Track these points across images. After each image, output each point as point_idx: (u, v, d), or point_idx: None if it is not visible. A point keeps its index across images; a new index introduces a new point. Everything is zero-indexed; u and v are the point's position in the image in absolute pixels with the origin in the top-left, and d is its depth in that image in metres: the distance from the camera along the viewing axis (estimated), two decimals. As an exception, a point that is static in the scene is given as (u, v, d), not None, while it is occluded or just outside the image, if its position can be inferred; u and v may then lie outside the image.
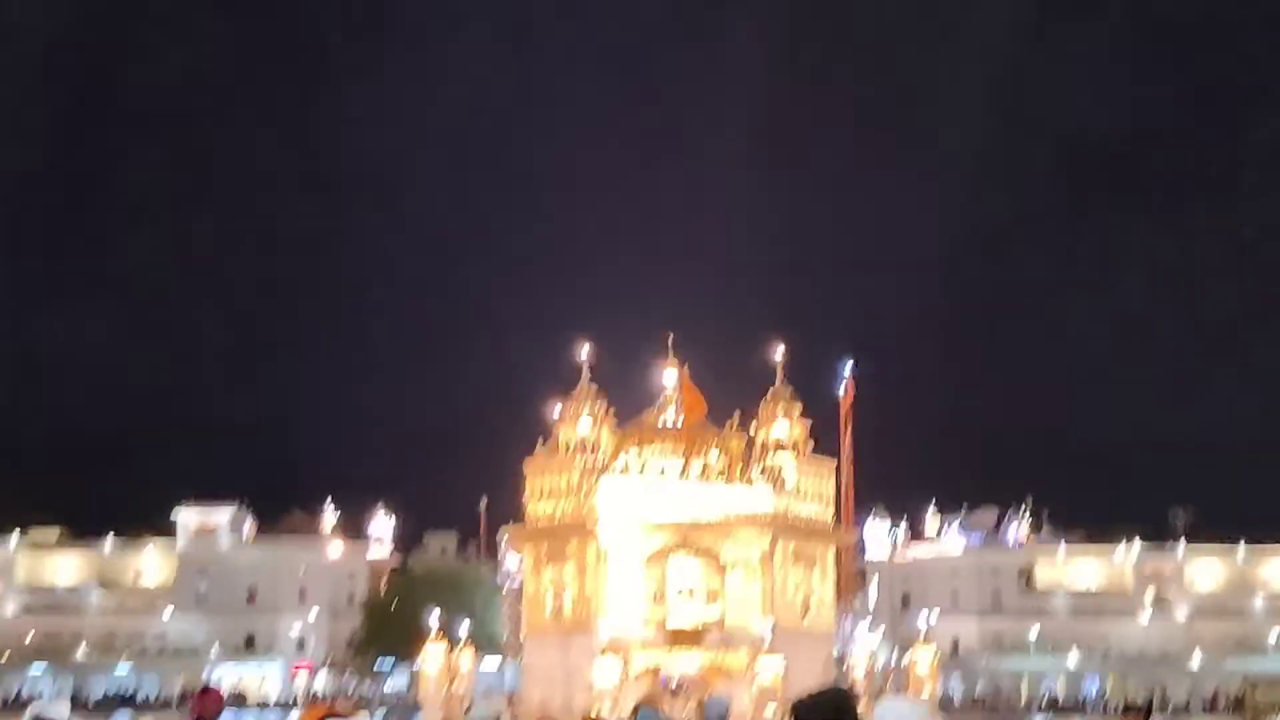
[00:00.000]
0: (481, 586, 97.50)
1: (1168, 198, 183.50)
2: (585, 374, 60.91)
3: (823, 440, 62.96)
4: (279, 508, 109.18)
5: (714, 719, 10.01)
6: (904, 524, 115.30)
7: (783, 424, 60.47)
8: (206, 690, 10.37)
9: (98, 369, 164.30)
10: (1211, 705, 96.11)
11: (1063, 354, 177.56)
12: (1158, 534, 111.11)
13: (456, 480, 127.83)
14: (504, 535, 67.09)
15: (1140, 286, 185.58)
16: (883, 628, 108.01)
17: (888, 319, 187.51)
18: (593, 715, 36.81)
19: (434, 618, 56.30)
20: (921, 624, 66.16)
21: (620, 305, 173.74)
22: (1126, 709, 11.86)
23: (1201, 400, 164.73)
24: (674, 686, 54.55)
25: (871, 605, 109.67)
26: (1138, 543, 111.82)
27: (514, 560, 74.80)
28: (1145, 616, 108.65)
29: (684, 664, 55.24)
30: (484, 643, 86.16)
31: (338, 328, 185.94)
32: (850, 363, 75.15)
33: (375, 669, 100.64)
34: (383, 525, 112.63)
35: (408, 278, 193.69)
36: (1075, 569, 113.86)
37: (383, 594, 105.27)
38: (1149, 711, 11.58)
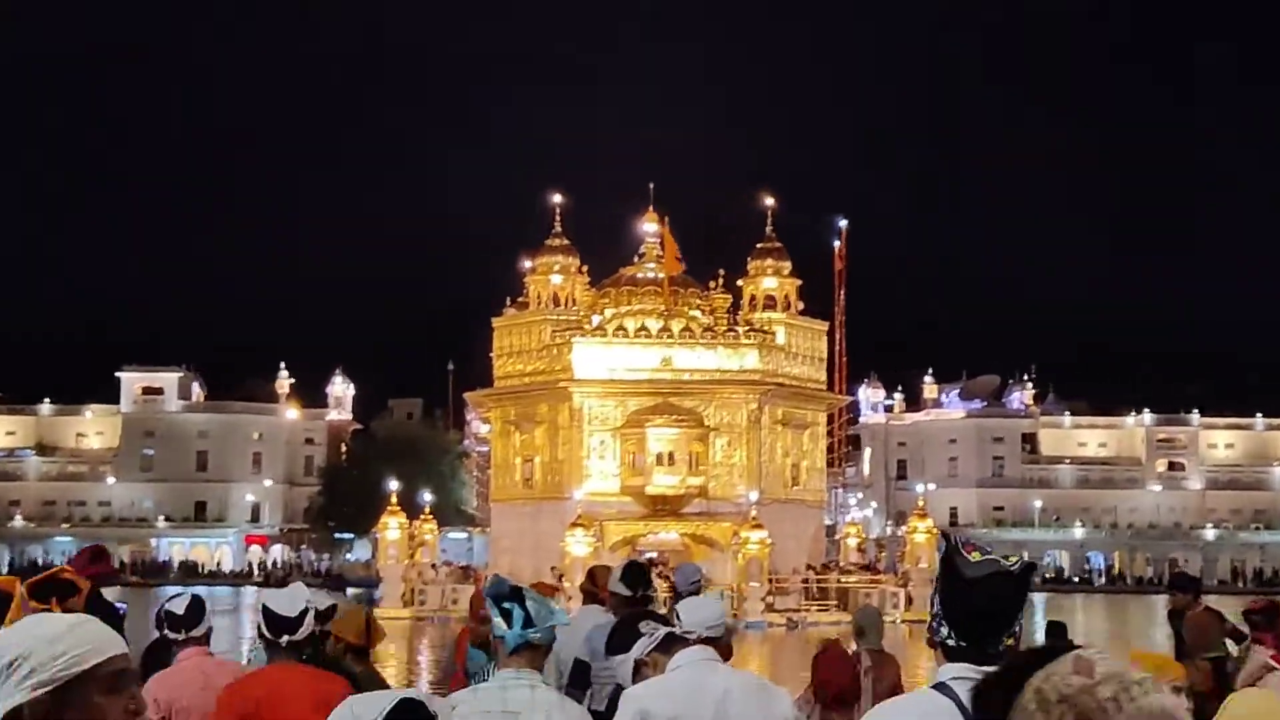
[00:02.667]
0: (448, 455, 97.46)
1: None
2: (556, 224, 60.07)
3: (813, 305, 62.59)
4: (231, 376, 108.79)
5: (684, 588, 9.21)
6: (899, 392, 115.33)
7: (772, 280, 59.87)
8: (99, 552, 9.23)
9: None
10: (1232, 579, 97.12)
11: (1069, 221, 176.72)
12: (1170, 408, 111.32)
13: (422, 344, 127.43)
14: (470, 399, 66.51)
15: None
16: (876, 499, 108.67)
17: (883, 177, 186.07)
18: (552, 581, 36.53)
19: (393, 486, 56.15)
20: (918, 494, 66.50)
21: (595, 154, 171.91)
22: (1173, 586, 11.09)
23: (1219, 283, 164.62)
24: (650, 559, 54.64)
25: (865, 475, 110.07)
26: (1148, 413, 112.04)
27: (481, 426, 74.42)
28: (1156, 487, 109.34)
29: (663, 535, 55.31)
30: (451, 513, 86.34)
31: (288, 190, 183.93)
32: (843, 220, 73.91)
33: (334, 540, 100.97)
34: (341, 390, 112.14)
35: (378, 128, 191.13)
36: (1082, 438, 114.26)
37: (343, 461, 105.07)
38: (1198, 590, 10.89)
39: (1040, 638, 11.42)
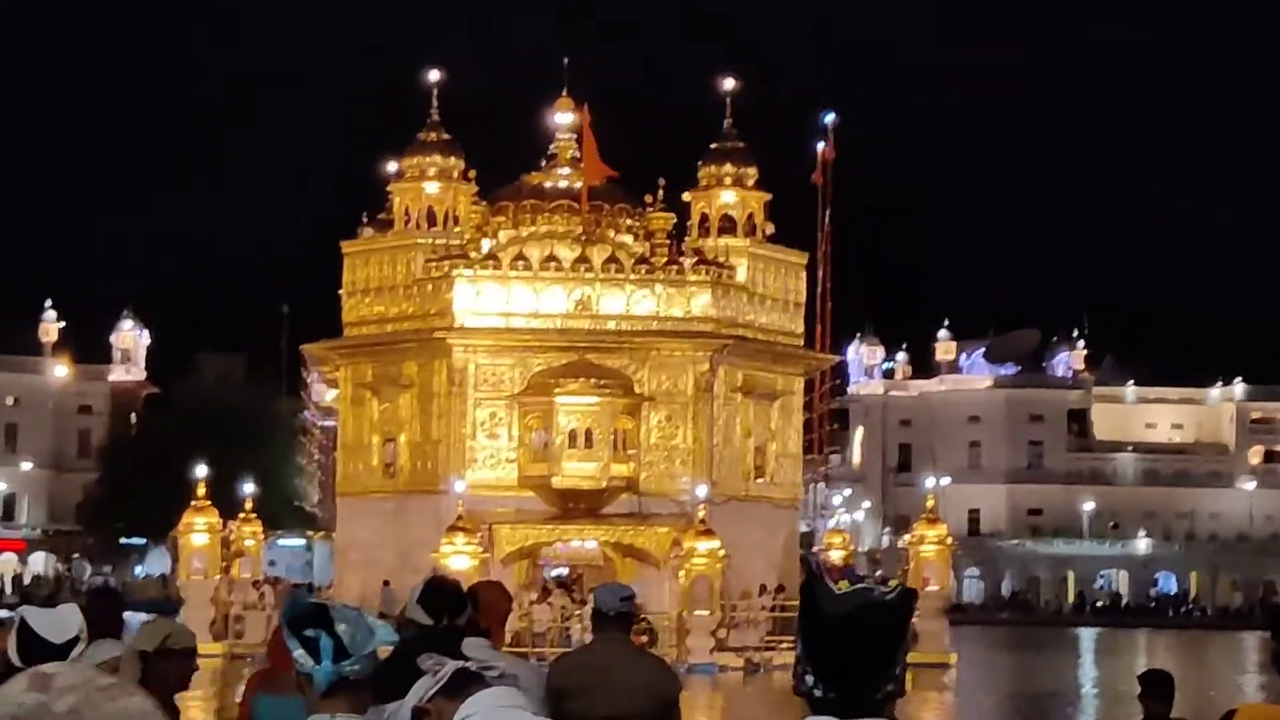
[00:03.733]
0: (279, 430, 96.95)
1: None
2: (434, 112, 59.52)
3: (788, 230, 62.35)
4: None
5: (607, 610, 9.12)
6: (904, 352, 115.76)
7: (730, 193, 59.74)
8: None
9: None
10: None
11: (1143, 133, 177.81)
12: (1268, 378, 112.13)
13: (246, 276, 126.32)
14: (309, 354, 66.15)
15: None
16: (870, 498, 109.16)
17: (887, 62, 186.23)
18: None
19: (201, 472, 55.75)
20: (927, 490, 66.79)
21: (490, 17, 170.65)
22: (1274, 621, 10.53)
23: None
24: (558, 577, 54.51)
25: (855, 463, 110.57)
26: (1239, 384, 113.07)
27: (326, 391, 74.08)
28: (1249, 484, 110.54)
29: (577, 544, 55.22)
30: (282, 511, 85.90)
31: (52, 58, 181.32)
32: (832, 116, 73.91)
33: (119, 547, 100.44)
34: (131, 339, 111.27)
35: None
36: (1150, 416, 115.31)
37: (132, 438, 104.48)
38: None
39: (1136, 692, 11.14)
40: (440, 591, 7.80)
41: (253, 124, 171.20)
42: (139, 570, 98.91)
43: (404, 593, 36.82)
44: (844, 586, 3.50)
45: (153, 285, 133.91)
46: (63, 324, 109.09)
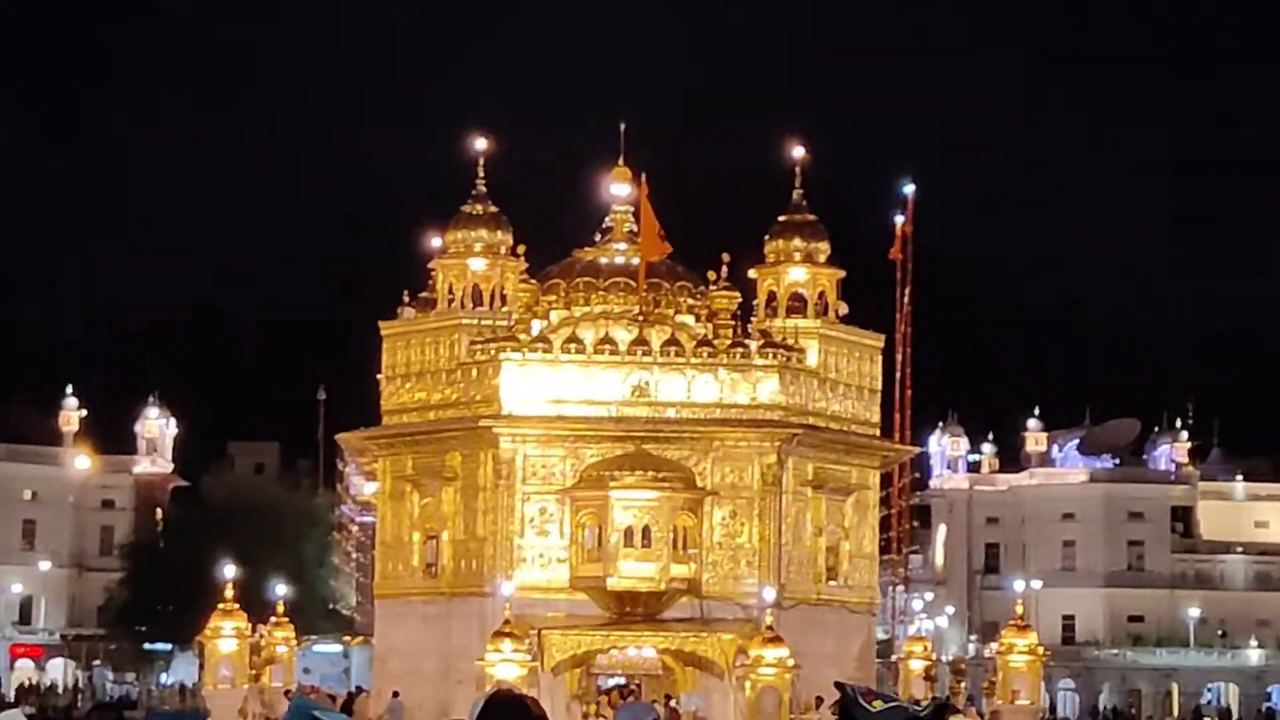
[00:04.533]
0: (314, 527, 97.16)
1: None
2: (480, 183, 59.65)
3: (864, 309, 62.08)
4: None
5: None
6: (990, 443, 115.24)
7: (800, 270, 59.61)
8: None
9: None
10: None
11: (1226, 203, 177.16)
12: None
13: (279, 361, 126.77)
14: (346, 443, 66.21)
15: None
16: (954, 602, 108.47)
17: (968, 128, 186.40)
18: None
19: (230, 572, 55.68)
20: (1016, 594, 66.25)
21: (543, 83, 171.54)
22: None
23: None
24: (614, 688, 54.11)
25: (938, 564, 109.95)
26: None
27: (365, 485, 74.22)
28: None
29: (634, 651, 54.82)
30: (317, 615, 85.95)
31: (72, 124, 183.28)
32: (909, 186, 74.05)
33: (145, 653, 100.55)
34: (157, 429, 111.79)
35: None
36: (1262, 514, 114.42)
37: (159, 535, 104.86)
38: None
39: None
40: (504, 712, 7.69)
41: (290, 194, 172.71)
42: (165, 678, 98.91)
43: (415, 705, 36.81)
44: (879, 705, 3.79)
45: (180, 370, 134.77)
46: (84, 412, 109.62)
